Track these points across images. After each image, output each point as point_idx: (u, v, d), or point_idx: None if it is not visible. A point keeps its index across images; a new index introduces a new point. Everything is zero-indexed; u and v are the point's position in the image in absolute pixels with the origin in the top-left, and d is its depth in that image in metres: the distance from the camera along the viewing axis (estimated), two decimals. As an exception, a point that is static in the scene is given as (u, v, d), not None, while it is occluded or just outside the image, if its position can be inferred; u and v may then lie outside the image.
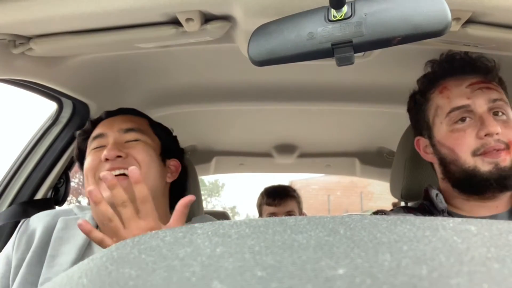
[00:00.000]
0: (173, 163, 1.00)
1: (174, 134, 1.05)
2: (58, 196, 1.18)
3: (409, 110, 0.93)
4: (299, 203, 1.92)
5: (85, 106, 1.15)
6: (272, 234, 0.23)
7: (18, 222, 0.96)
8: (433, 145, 0.84)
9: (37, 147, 1.14)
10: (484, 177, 0.75)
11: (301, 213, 1.94)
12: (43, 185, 1.14)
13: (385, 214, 0.91)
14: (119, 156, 0.86)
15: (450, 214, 0.84)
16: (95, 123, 0.97)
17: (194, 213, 1.11)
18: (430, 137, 0.85)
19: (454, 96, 0.80)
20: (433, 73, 0.87)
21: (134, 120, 0.96)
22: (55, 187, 1.18)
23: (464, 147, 0.77)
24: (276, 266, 0.19)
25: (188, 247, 0.22)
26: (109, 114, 0.98)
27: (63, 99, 1.13)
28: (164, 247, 0.23)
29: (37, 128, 1.18)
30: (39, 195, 1.14)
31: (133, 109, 1.01)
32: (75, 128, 1.16)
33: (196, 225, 0.26)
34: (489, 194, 0.78)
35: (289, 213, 1.86)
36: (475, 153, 0.76)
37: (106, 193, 0.78)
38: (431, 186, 0.90)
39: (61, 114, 1.16)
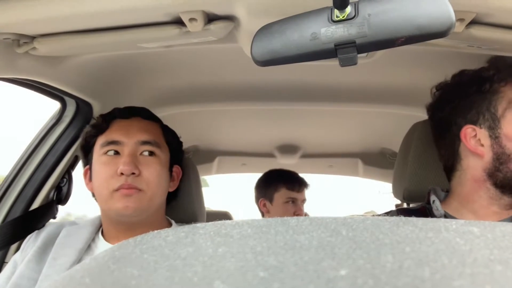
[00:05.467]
0: (176, 170, 1.03)
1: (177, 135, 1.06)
2: (60, 196, 1.18)
3: (451, 96, 0.89)
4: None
5: (88, 105, 1.16)
6: (274, 235, 0.23)
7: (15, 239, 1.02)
8: (495, 137, 0.81)
9: (41, 146, 1.15)
10: None
11: None
12: (46, 184, 1.14)
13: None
14: (133, 173, 0.88)
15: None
16: (108, 120, 0.96)
17: (196, 213, 1.11)
18: (492, 128, 0.81)
19: None
20: (509, 68, 0.83)
21: (150, 130, 0.96)
22: (57, 186, 1.18)
23: None
24: (278, 266, 0.19)
25: (190, 247, 0.22)
26: (123, 115, 0.97)
27: (67, 98, 1.13)
28: (166, 247, 0.23)
29: (41, 127, 1.18)
30: (42, 194, 1.14)
31: (145, 110, 1.01)
32: (78, 127, 1.16)
33: (198, 225, 0.26)
34: None
35: (303, 201, 1.92)
36: None
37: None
38: (434, 189, 0.88)
39: (64, 113, 1.16)
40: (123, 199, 0.87)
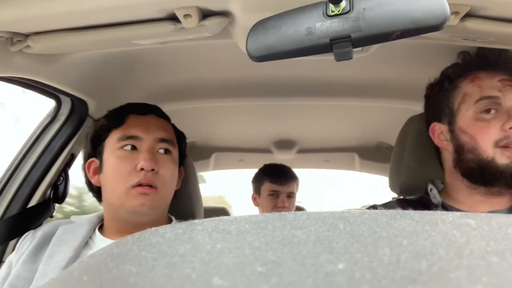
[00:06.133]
0: (180, 170, 1.03)
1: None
2: (57, 194, 1.18)
3: (428, 96, 0.93)
4: (297, 185, 1.94)
5: (83, 103, 1.15)
6: (271, 230, 0.23)
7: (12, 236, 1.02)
8: (452, 131, 0.85)
9: (36, 145, 1.14)
10: (500, 169, 0.77)
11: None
12: (42, 183, 1.14)
13: (377, 209, 0.92)
14: (153, 169, 0.89)
15: (446, 208, 0.86)
16: (125, 115, 0.96)
17: (194, 210, 1.11)
18: (450, 123, 0.85)
19: (486, 86, 0.81)
20: (465, 63, 0.87)
21: (166, 128, 0.98)
22: (54, 185, 1.18)
23: (487, 137, 0.78)
24: (276, 261, 0.19)
25: (188, 243, 0.22)
26: (139, 110, 0.98)
27: (62, 97, 1.13)
28: (164, 244, 0.23)
29: (36, 126, 1.17)
30: (38, 193, 1.14)
31: (158, 108, 1.01)
32: (73, 125, 1.15)
33: (196, 221, 0.26)
34: (496, 188, 0.79)
35: (290, 194, 1.88)
36: (497, 144, 0.78)
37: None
38: (433, 180, 0.91)
39: (60, 111, 1.15)
40: (140, 196, 0.87)
